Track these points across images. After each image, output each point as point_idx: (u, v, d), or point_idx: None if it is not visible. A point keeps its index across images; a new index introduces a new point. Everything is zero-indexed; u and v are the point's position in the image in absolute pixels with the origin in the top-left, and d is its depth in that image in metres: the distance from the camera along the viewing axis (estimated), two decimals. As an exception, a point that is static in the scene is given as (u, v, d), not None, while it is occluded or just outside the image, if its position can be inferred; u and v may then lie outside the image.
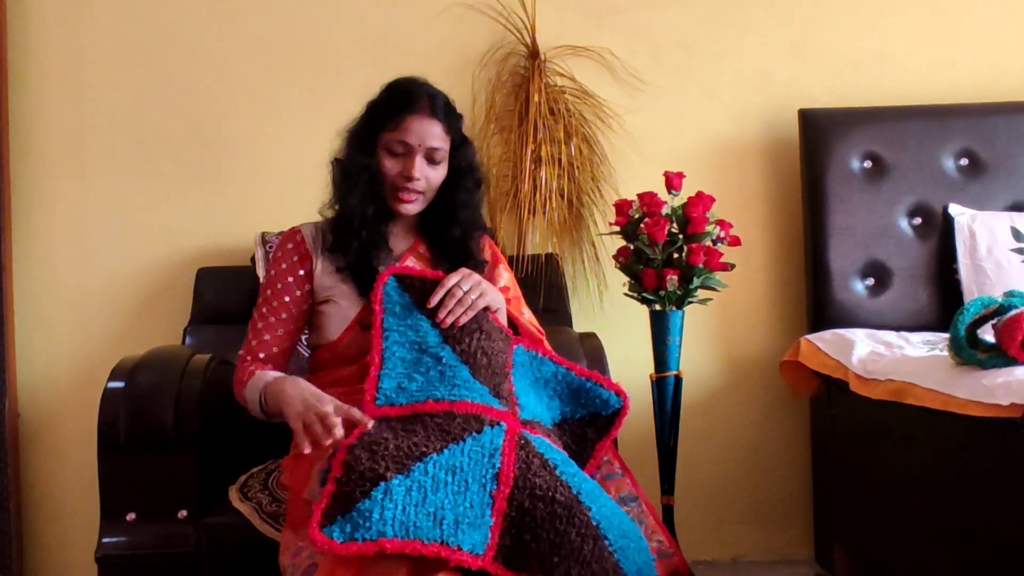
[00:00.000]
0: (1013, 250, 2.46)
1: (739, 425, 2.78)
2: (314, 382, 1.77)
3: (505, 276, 2.00)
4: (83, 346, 2.68)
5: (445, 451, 1.49)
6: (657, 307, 2.30)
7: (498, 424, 1.57)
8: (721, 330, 2.77)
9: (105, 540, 1.84)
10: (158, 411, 1.87)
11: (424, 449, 1.49)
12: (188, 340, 2.48)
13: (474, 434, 1.53)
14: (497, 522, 1.45)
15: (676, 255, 2.29)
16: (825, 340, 2.40)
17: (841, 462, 2.43)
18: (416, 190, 1.85)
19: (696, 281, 2.27)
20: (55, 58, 2.70)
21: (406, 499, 1.42)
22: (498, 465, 1.49)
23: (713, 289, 2.32)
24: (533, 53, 2.70)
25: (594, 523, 1.45)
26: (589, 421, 1.82)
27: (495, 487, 1.47)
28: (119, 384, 1.90)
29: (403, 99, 1.85)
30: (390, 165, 1.84)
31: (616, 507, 1.56)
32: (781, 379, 2.57)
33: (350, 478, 1.43)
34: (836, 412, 2.42)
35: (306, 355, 2.38)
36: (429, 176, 1.85)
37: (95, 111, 2.70)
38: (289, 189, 2.66)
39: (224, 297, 2.52)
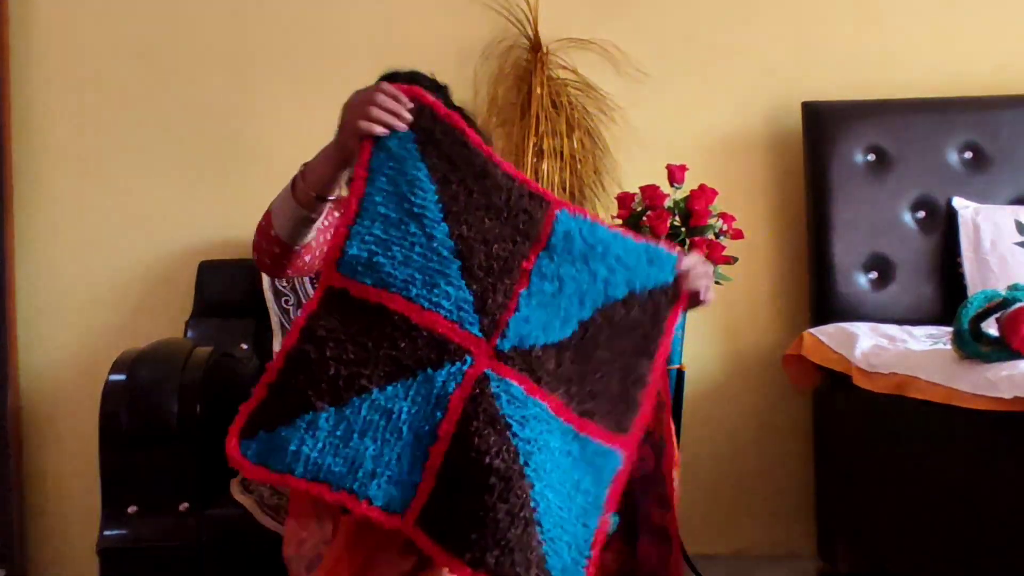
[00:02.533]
0: (1017, 243, 2.45)
1: (741, 419, 2.77)
2: None
3: None
4: (85, 339, 2.68)
5: (388, 387, 1.34)
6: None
7: (461, 360, 1.37)
8: (724, 323, 2.76)
9: (107, 532, 1.85)
10: (160, 404, 1.88)
11: (366, 381, 1.33)
12: (190, 333, 2.48)
13: (428, 370, 1.36)
14: (428, 480, 1.33)
15: (678, 248, 2.28)
16: (828, 334, 2.39)
17: (844, 456, 2.43)
18: None
19: (699, 274, 2.26)
20: (58, 51, 2.70)
21: (328, 437, 1.31)
22: (440, 417, 1.34)
23: (716, 282, 2.32)
24: (535, 46, 2.69)
25: (532, 504, 1.31)
26: (659, 292, 1.54)
27: (432, 441, 1.33)
28: (121, 377, 1.90)
29: (385, 80, 1.83)
30: None
31: (573, 489, 1.41)
32: (784, 373, 2.57)
33: (282, 393, 1.33)
34: (839, 406, 2.41)
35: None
36: None
37: (97, 104, 2.70)
38: (291, 182, 2.65)
39: (226, 290, 2.52)
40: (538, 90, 2.66)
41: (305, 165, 1.56)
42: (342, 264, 1.38)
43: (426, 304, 1.38)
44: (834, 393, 2.41)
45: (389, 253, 1.39)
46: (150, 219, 2.70)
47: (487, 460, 1.30)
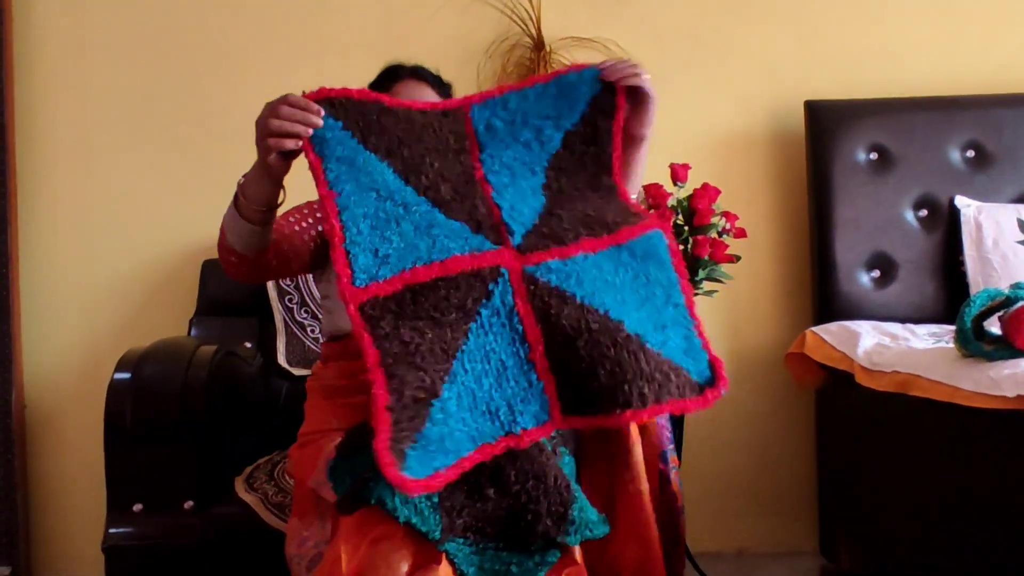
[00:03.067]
0: (1019, 242, 2.45)
1: (744, 417, 2.78)
2: (324, 373, 1.76)
3: None
4: (89, 337, 2.69)
5: (470, 336, 1.40)
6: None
7: (499, 275, 1.44)
8: (726, 322, 2.77)
9: (112, 531, 1.85)
10: (164, 402, 1.88)
11: (452, 342, 1.39)
12: (194, 331, 2.48)
13: (484, 301, 1.43)
14: (548, 380, 1.41)
15: (681, 247, 2.28)
16: (831, 332, 2.39)
17: (846, 454, 2.43)
18: None
19: (701, 273, 2.26)
20: (60, 50, 2.70)
21: (460, 409, 1.36)
22: (521, 328, 1.42)
23: (718, 281, 2.32)
24: (538, 44, 2.69)
25: (633, 335, 1.40)
26: (591, 115, 1.60)
27: (528, 350, 1.41)
28: (125, 375, 1.90)
29: (387, 74, 1.84)
30: None
31: (644, 306, 1.48)
32: (786, 371, 2.57)
33: (402, 403, 1.33)
34: (841, 404, 2.42)
35: (316, 349, 2.39)
36: None
37: (100, 103, 2.71)
38: (294, 181, 2.64)
39: (230, 289, 2.51)
40: (541, 89, 2.65)
41: (241, 182, 1.55)
42: (358, 279, 1.41)
43: (441, 256, 1.43)
44: (836, 391, 2.42)
45: (387, 240, 1.44)
46: (153, 218, 2.70)
47: (584, 326, 1.39)
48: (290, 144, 1.42)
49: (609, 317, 1.41)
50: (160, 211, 2.70)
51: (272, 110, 1.41)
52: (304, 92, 1.46)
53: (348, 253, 1.42)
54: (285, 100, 1.41)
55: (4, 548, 2.57)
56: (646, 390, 1.37)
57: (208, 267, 2.57)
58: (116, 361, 1.96)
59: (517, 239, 1.49)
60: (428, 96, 1.81)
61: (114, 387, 1.89)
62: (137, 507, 1.86)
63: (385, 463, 1.26)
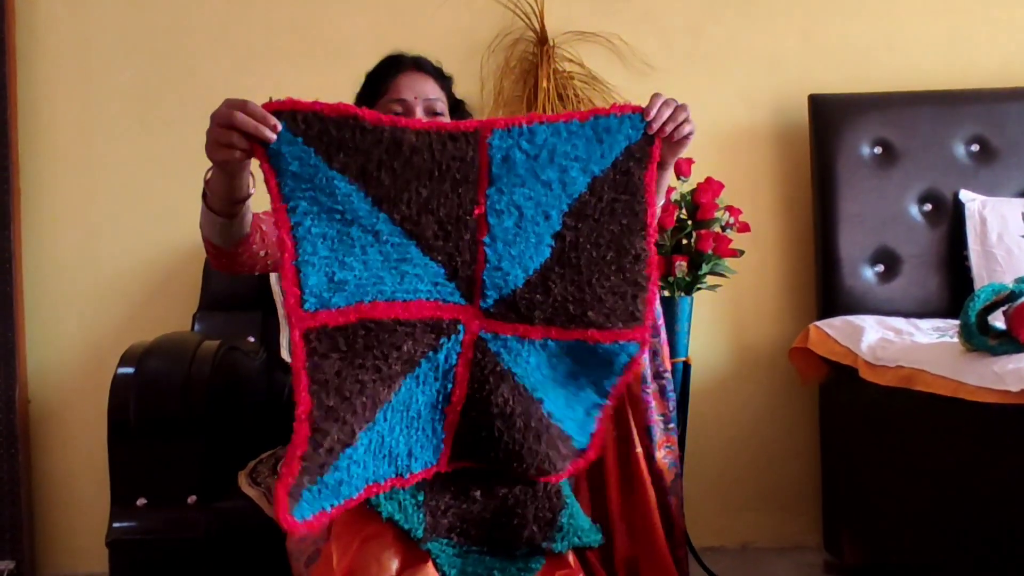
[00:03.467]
0: (1024, 236, 2.45)
1: (748, 412, 2.78)
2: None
3: None
4: (92, 332, 2.69)
5: (403, 388, 1.35)
6: (666, 293, 2.30)
7: (455, 332, 1.39)
8: (730, 316, 2.76)
9: (115, 525, 1.85)
10: (168, 397, 1.88)
11: (384, 395, 1.32)
12: (197, 326, 2.48)
13: (429, 354, 1.37)
14: (449, 435, 1.43)
15: (685, 241, 2.28)
16: (834, 327, 2.39)
17: (850, 449, 2.43)
18: None
19: (705, 267, 2.26)
20: (63, 45, 2.70)
21: (366, 455, 1.35)
22: (451, 387, 1.41)
23: (722, 275, 2.32)
24: (542, 39, 2.69)
25: (546, 414, 1.44)
26: (625, 161, 1.45)
27: (447, 404, 1.42)
28: (128, 370, 1.90)
29: (388, 64, 1.81)
30: None
31: (567, 384, 1.48)
32: (790, 366, 2.57)
33: (317, 453, 1.28)
34: (845, 399, 2.41)
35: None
36: None
37: (103, 98, 2.71)
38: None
39: (233, 283, 2.52)
40: (544, 83, 2.65)
41: (207, 176, 1.48)
42: (307, 302, 1.30)
43: (405, 296, 1.35)
44: (840, 386, 2.41)
45: (347, 266, 1.33)
46: (156, 213, 2.70)
47: (509, 410, 1.40)
48: (236, 154, 1.33)
49: (533, 396, 1.43)
50: (163, 206, 2.70)
51: (226, 115, 1.31)
52: (271, 99, 1.33)
53: (298, 271, 1.30)
54: (244, 107, 1.31)
55: (8, 542, 2.57)
56: (532, 470, 1.43)
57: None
58: (119, 356, 1.96)
59: (488, 302, 1.41)
60: (429, 88, 1.78)
61: (118, 382, 1.89)
62: (141, 501, 1.86)
63: (279, 505, 1.25)
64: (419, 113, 1.75)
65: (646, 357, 1.59)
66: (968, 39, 2.78)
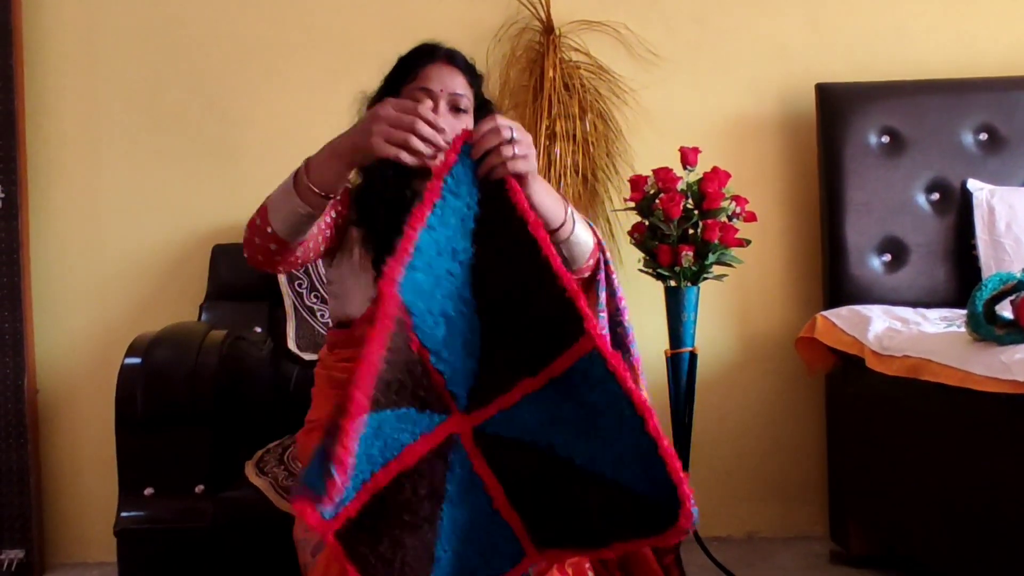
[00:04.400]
0: (1032, 225, 2.44)
1: (754, 401, 2.78)
2: (329, 361, 1.76)
3: None
4: (100, 323, 2.70)
5: (444, 517, 1.36)
6: (672, 283, 2.30)
7: (453, 443, 1.38)
8: (736, 306, 2.76)
9: (123, 514, 1.86)
10: (175, 387, 1.88)
11: (430, 536, 1.35)
12: (204, 316, 2.49)
13: (448, 476, 1.38)
14: (513, 520, 1.37)
15: (691, 231, 2.28)
16: (841, 316, 2.39)
17: (856, 439, 2.43)
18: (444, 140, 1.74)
19: (711, 257, 2.26)
20: (70, 37, 2.70)
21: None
22: (481, 483, 1.37)
23: (728, 265, 2.32)
24: (548, 28, 2.68)
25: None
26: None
27: (489, 500, 1.37)
28: (136, 360, 1.91)
29: (421, 51, 1.77)
30: None
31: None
32: (797, 355, 2.56)
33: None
34: (852, 389, 2.41)
35: (323, 332, 2.39)
36: (455, 126, 1.67)
37: (110, 89, 2.71)
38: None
39: (240, 274, 2.51)
40: (550, 72, 2.65)
41: (308, 160, 1.47)
42: (326, 513, 1.28)
43: (393, 453, 1.34)
44: (847, 376, 2.41)
45: (438, 288, 1.33)
46: (163, 204, 2.71)
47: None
48: (407, 158, 1.32)
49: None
50: (170, 197, 2.70)
51: (406, 121, 1.32)
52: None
53: (405, 265, 1.29)
54: (424, 117, 1.32)
55: (17, 531, 2.58)
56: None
57: (218, 252, 2.57)
58: (127, 346, 1.96)
59: (462, 402, 1.38)
60: (457, 82, 1.73)
61: (125, 372, 1.90)
62: (148, 491, 1.87)
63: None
64: (443, 106, 1.71)
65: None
66: (976, 28, 2.76)
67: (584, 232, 1.58)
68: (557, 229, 1.52)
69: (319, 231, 1.66)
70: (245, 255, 1.62)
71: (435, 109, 1.68)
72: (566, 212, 1.53)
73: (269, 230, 1.52)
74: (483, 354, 1.39)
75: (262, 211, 1.54)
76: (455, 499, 1.37)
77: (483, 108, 1.81)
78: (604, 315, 1.62)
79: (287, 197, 1.49)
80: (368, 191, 1.75)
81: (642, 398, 1.32)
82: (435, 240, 1.32)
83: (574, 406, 1.36)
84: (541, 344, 1.37)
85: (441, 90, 1.72)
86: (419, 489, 1.33)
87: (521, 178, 1.36)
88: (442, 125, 1.34)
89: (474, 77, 1.79)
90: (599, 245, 1.63)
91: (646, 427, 1.30)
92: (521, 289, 1.37)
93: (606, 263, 1.64)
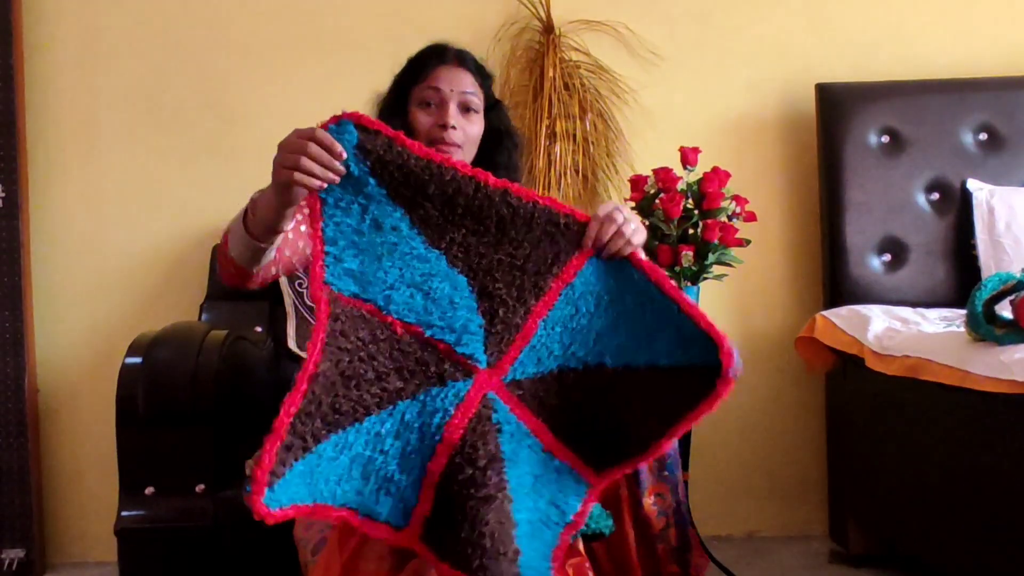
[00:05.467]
0: (1032, 225, 2.44)
1: (754, 401, 2.77)
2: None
3: None
4: (100, 322, 2.70)
5: (394, 411, 1.32)
6: (672, 283, 2.30)
7: (464, 378, 1.36)
8: (736, 306, 2.76)
9: (124, 514, 1.86)
10: (175, 386, 1.89)
11: (372, 405, 1.30)
12: (204, 316, 2.49)
13: (432, 389, 1.34)
14: (426, 499, 1.33)
15: (691, 231, 2.28)
16: (841, 316, 2.39)
17: (856, 438, 2.43)
18: (454, 141, 1.71)
19: (711, 257, 2.26)
20: (71, 36, 2.70)
21: (340, 460, 1.29)
22: (438, 439, 1.33)
23: (728, 265, 2.32)
24: (548, 28, 2.68)
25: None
26: (690, 378, 1.35)
27: (430, 456, 1.32)
28: (136, 360, 1.91)
29: (431, 52, 1.78)
30: (423, 119, 1.72)
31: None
32: (796, 355, 2.57)
33: (305, 421, 1.26)
34: (852, 388, 2.41)
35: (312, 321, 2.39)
36: (466, 127, 1.73)
37: (110, 89, 2.71)
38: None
39: (240, 273, 2.53)
40: (551, 72, 2.65)
41: (255, 197, 1.51)
42: (331, 279, 1.33)
43: (431, 331, 1.35)
44: (847, 375, 2.41)
45: (380, 267, 1.34)
46: (164, 203, 2.71)
47: (477, 490, 1.29)
48: (314, 183, 1.35)
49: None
50: (170, 196, 2.70)
51: (300, 147, 1.36)
52: (343, 111, 1.38)
53: (325, 256, 1.34)
54: (316, 139, 1.35)
55: (18, 531, 2.59)
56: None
57: (218, 252, 2.57)
58: (127, 346, 1.96)
59: (482, 360, 1.37)
60: (467, 82, 1.74)
61: (126, 371, 1.90)
62: (149, 490, 1.87)
63: (255, 485, 1.20)
64: (453, 107, 1.72)
65: None
66: (976, 27, 2.77)
67: None
68: None
69: (301, 245, 1.66)
70: (219, 276, 1.66)
71: (445, 109, 1.70)
72: None
73: (229, 255, 1.57)
74: (480, 303, 1.38)
75: (224, 236, 1.59)
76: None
77: (494, 108, 1.82)
78: None
79: (239, 232, 1.53)
80: None
81: (651, 264, 1.38)
82: (341, 226, 1.34)
83: (589, 306, 1.38)
84: (542, 265, 1.37)
85: (451, 90, 1.73)
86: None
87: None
88: (337, 151, 1.36)
89: (484, 77, 1.80)
90: None
91: (663, 290, 1.35)
92: (503, 224, 1.37)
93: None
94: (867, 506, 2.39)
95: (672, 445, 1.50)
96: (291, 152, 1.36)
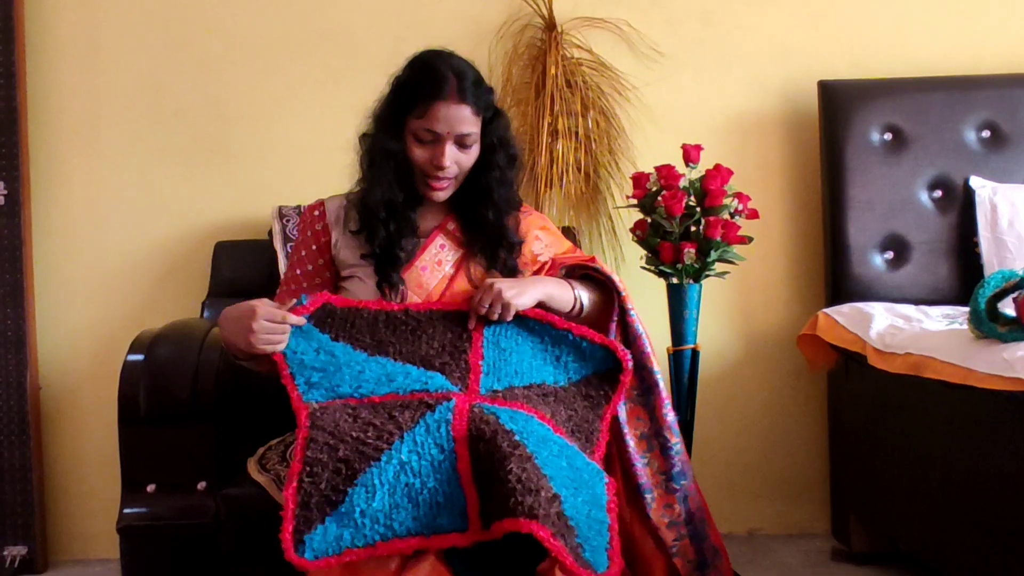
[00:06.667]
0: (1035, 223, 2.44)
1: (756, 399, 2.78)
2: None
3: (537, 244, 1.96)
4: (103, 319, 2.70)
5: (404, 443, 1.49)
6: (674, 280, 2.30)
7: (447, 400, 1.56)
8: (739, 303, 2.76)
9: (126, 511, 1.87)
10: (177, 384, 1.89)
11: (382, 446, 1.48)
12: (206, 314, 2.49)
13: (427, 415, 1.53)
14: (471, 497, 1.45)
15: (694, 228, 2.28)
16: (843, 314, 2.39)
17: (858, 436, 2.43)
18: (447, 176, 1.79)
19: (714, 254, 2.26)
20: (72, 34, 2.70)
21: (379, 496, 1.43)
22: (452, 445, 1.49)
23: (731, 262, 2.32)
24: (550, 25, 2.68)
25: (555, 491, 1.42)
26: (600, 380, 1.75)
27: (455, 461, 1.47)
28: (138, 357, 1.91)
29: (429, 82, 1.75)
30: (419, 153, 1.77)
31: (570, 471, 1.53)
32: (799, 353, 2.56)
33: (316, 487, 1.45)
34: (854, 386, 2.41)
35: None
36: (460, 160, 1.79)
37: (112, 87, 2.71)
38: (306, 163, 2.66)
39: (242, 271, 2.53)
40: (553, 70, 2.65)
41: (219, 326, 1.73)
42: (307, 395, 1.67)
43: (401, 391, 1.62)
44: (849, 373, 2.41)
45: (341, 378, 1.66)
46: (166, 201, 2.71)
47: (493, 457, 1.44)
48: (268, 350, 1.65)
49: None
50: (172, 194, 2.70)
51: (249, 325, 1.63)
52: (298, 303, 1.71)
53: (293, 377, 1.66)
54: (265, 315, 1.64)
55: (20, 528, 2.59)
56: (550, 525, 1.37)
57: (220, 249, 2.58)
58: (129, 343, 1.97)
59: (455, 389, 1.64)
60: (464, 122, 1.77)
61: (128, 368, 1.90)
62: (151, 487, 1.88)
63: (285, 544, 1.43)
64: (449, 147, 1.77)
65: (622, 416, 1.75)
66: (979, 24, 2.76)
67: (591, 296, 1.84)
68: (572, 312, 1.81)
69: (322, 280, 1.89)
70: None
71: (441, 149, 1.77)
72: (574, 295, 1.81)
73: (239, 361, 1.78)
74: (430, 369, 1.67)
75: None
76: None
77: (495, 118, 1.84)
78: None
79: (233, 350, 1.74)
80: (370, 213, 1.83)
81: (537, 311, 1.76)
82: (304, 363, 1.67)
83: (511, 343, 1.75)
84: (457, 343, 1.74)
85: (448, 132, 1.76)
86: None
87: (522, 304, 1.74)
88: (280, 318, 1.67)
89: (482, 99, 1.80)
90: (616, 294, 1.83)
91: (555, 325, 1.76)
92: (415, 329, 1.75)
93: (626, 312, 1.82)
94: (869, 504, 2.38)
95: (680, 453, 1.77)
96: (242, 331, 1.64)
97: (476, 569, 1.46)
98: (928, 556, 2.11)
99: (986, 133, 2.61)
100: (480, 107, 1.79)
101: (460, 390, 1.63)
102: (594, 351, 1.75)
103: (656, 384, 1.76)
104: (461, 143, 1.78)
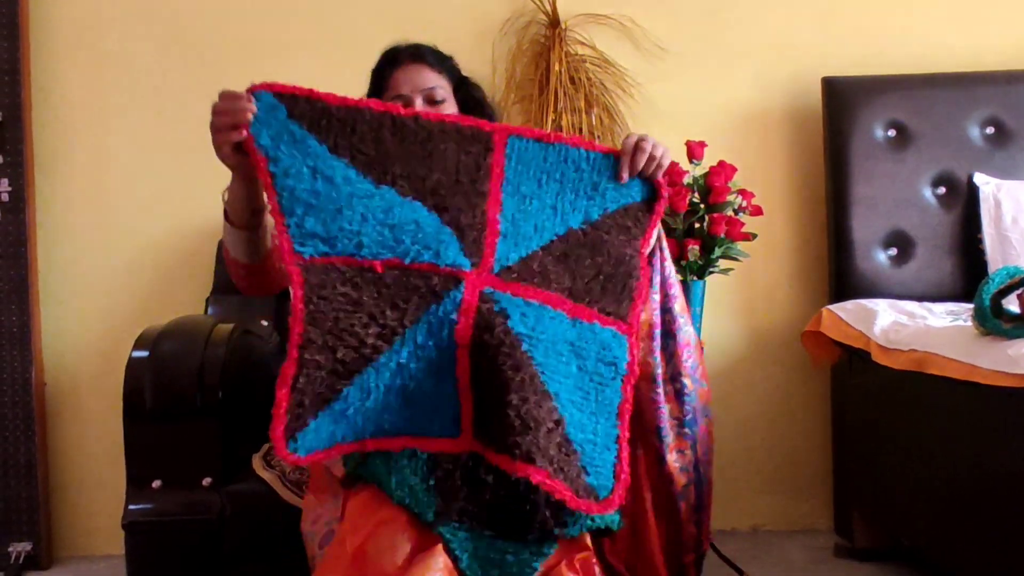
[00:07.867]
0: (1039, 219, 2.44)
1: (760, 395, 2.78)
2: None
3: None
4: (107, 315, 2.71)
5: (405, 340, 1.42)
6: (678, 277, 2.29)
7: (454, 287, 1.46)
8: (742, 300, 2.76)
9: (131, 507, 1.87)
10: (182, 380, 1.89)
11: (381, 344, 1.40)
12: (211, 309, 2.49)
13: (431, 307, 1.44)
14: (466, 405, 1.43)
15: (697, 225, 2.28)
16: (847, 310, 2.39)
17: (862, 432, 2.43)
18: None
19: (717, 251, 2.26)
20: (77, 30, 2.70)
21: (374, 395, 1.40)
22: (455, 347, 1.43)
23: (735, 259, 2.32)
24: (553, 21, 2.68)
25: (558, 414, 1.41)
26: (637, 210, 1.64)
27: (453, 365, 1.43)
28: (143, 353, 1.91)
29: (386, 59, 1.84)
30: None
31: (580, 379, 1.49)
32: (802, 349, 2.56)
33: (311, 380, 1.38)
34: (857, 382, 2.41)
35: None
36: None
37: (117, 83, 2.71)
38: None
39: (246, 267, 2.53)
40: (556, 66, 2.65)
41: (224, 194, 1.61)
42: (302, 246, 1.44)
43: (408, 257, 1.45)
44: (853, 369, 2.41)
45: (340, 216, 1.45)
46: (170, 197, 2.71)
47: (494, 377, 1.39)
48: (234, 135, 1.46)
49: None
50: (177, 190, 2.71)
51: (212, 109, 1.47)
52: (252, 83, 1.51)
53: (286, 222, 1.44)
54: (220, 96, 1.48)
55: (25, 524, 2.60)
56: (547, 465, 1.37)
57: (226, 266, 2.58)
58: (134, 339, 1.97)
59: (465, 263, 1.49)
60: (426, 78, 1.80)
61: (132, 365, 1.90)
62: (156, 483, 1.88)
63: (276, 437, 1.35)
64: (419, 104, 1.78)
65: (656, 356, 1.65)
66: (983, 21, 2.76)
67: None
68: None
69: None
70: (239, 288, 1.76)
71: (412, 109, 1.73)
72: None
73: (235, 260, 1.67)
74: (441, 216, 1.50)
75: (224, 249, 1.70)
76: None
77: (463, 84, 1.87)
78: (657, 297, 1.68)
79: (228, 231, 1.63)
80: None
81: (574, 137, 1.68)
82: (296, 192, 1.44)
83: (532, 188, 1.58)
84: (473, 173, 1.54)
85: (413, 90, 1.79)
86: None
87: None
88: (236, 94, 1.48)
89: (442, 64, 1.84)
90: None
91: (596, 149, 1.61)
92: (425, 144, 1.53)
93: (661, 249, 1.72)
94: (872, 500, 2.39)
95: (694, 400, 1.70)
96: (211, 127, 1.48)
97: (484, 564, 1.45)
98: (932, 552, 2.11)
99: (990, 129, 2.61)
100: (440, 66, 1.84)
101: (472, 265, 1.48)
102: (630, 183, 1.62)
103: (679, 329, 1.73)
104: (430, 99, 1.80)
